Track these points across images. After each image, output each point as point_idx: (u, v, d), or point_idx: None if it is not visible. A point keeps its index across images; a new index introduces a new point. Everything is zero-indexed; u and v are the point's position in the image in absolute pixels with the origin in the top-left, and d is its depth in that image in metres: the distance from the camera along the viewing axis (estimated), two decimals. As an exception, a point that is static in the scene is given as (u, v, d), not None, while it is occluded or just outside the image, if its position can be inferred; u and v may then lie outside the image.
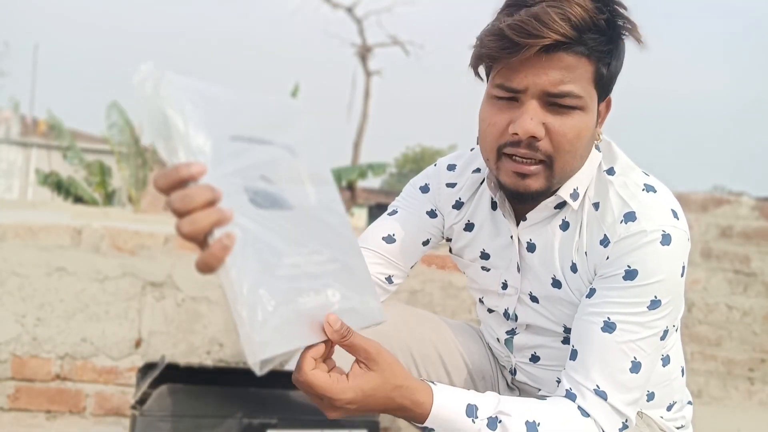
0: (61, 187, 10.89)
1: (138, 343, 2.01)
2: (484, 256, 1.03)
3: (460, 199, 1.05)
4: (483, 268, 1.04)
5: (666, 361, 0.95)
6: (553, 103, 0.82)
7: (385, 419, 1.89)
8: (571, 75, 0.81)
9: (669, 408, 0.99)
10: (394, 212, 1.08)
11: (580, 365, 0.83)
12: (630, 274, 0.83)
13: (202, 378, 1.42)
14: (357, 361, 0.71)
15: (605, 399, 0.81)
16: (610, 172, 0.91)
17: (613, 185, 0.89)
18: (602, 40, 0.81)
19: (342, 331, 0.67)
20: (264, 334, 0.59)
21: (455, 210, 1.06)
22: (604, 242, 0.86)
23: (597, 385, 0.81)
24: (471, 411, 0.76)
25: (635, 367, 0.82)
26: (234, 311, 0.58)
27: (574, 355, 0.84)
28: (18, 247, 1.95)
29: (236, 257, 0.58)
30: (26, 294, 1.95)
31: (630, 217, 0.85)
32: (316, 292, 0.66)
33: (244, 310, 0.57)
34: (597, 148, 0.93)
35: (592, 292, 0.86)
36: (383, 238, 1.05)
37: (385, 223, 1.07)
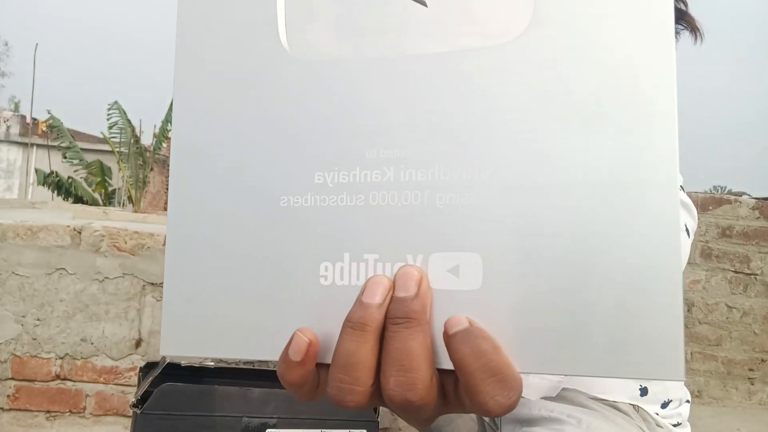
0: (61, 187, 10.90)
1: (138, 343, 2.01)
2: None
3: None
4: None
5: None
6: None
7: (384, 419, 1.89)
8: None
9: (664, 406, 0.99)
10: None
11: None
12: None
13: (203, 378, 1.43)
14: None
15: None
16: None
17: None
18: None
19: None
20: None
21: None
22: None
23: None
24: None
25: None
26: None
27: None
28: (18, 247, 1.95)
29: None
30: (26, 294, 1.95)
31: None
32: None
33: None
34: None
35: None
36: None
37: None
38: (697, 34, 0.84)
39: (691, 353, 2.75)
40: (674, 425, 1.00)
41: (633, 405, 0.94)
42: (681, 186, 0.89)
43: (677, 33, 0.86)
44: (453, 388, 0.31)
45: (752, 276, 2.74)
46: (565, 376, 0.60)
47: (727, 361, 2.74)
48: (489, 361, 0.28)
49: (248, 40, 0.35)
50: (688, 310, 2.75)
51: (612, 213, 0.29)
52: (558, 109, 0.30)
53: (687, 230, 0.83)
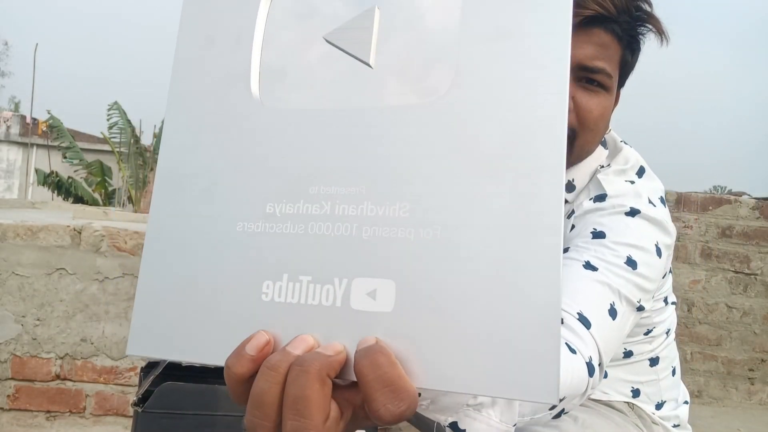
0: (61, 187, 10.90)
1: (138, 343, 2.01)
2: None
3: None
4: None
5: (655, 362, 0.95)
6: (584, 78, 0.83)
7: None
8: (605, 53, 0.83)
9: (658, 407, 0.99)
10: None
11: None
12: (598, 235, 0.80)
13: (204, 377, 1.44)
14: None
15: (588, 328, 0.70)
16: (606, 167, 0.91)
17: (600, 173, 0.89)
18: (633, 24, 0.84)
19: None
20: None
21: None
22: (570, 216, 0.87)
23: (579, 312, 0.72)
24: None
25: (613, 311, 0.74)
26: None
27: None
28: (18, 247, 1.95)
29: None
30: (26, 294, 1.95)
31: (600, 198, 0.86)
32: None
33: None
34: (604, 145, 0.93)
35: (566, 249, 0.82)
36: None
37: None
38: (663, 36, 0.86)
39: (691, 353, 2.75)
40: (674, 426, 1.00)
41: (628, 403, 0.94)
42: (660, 197, 0.87)
43: (643, 35, 0.86)
44: (361, 402, 0.34)
45: (752, 276, 2.75)
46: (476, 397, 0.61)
47: (727, 361, 2.74)
48: (384, 373, 0.32)
49: (225, 89, 0.41)
50: (688, 310, 2.75)
51: (504, 252, 0.33)
52: (467, 159, 0.35)
53: (658, 249, 0.81)
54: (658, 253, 0.82)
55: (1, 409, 1.95)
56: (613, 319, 0.74)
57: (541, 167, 0.33)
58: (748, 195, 3.10)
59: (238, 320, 0.37)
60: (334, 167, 0.37)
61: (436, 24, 0.38)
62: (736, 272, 2.74)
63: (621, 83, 0.90)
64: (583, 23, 0.80)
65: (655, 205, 0.85)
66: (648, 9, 0.85)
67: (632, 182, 0.88)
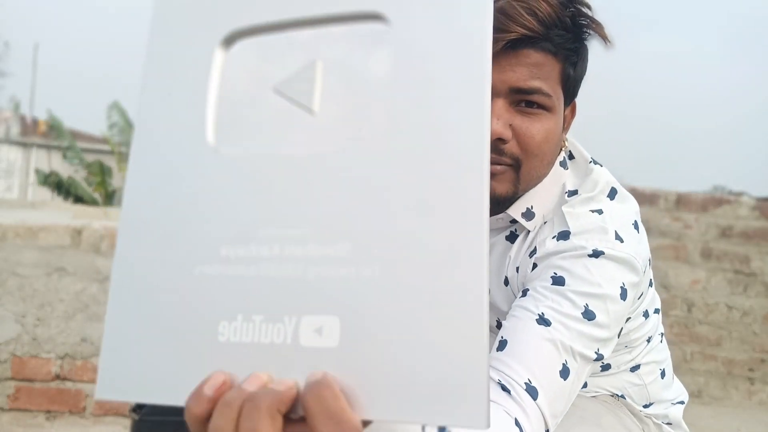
0: (61, 187, 10.90)
1: (138, 343, 2.02)
2: None
3: None
4: None
5: (636, 368, 0.94)
6: (521, 101, 0.79)
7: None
8: (540, 72, 0.78)
9: (646, 406, 0.98)
10: None
11: (510, 357, 0.72)
12: (557, 281, 0.77)
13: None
14: None
15: (535, 399, 0.70)
16: (573, 194, 0.86)
17: (566, 205, 0.84)
18: (568, 37, 0.79)
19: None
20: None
21: None
22: (532, 254, 0.83)
23: (528, 380, 0.70)
24: None
25: (565, 371, 0.73)
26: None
27: (503, 345, 0.75)
28: (18, 247, 1.95)
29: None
30: (26, 294, 1.95)
31: (564, 235, 0.81)
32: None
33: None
34: (564, 165, 0.89)
35: (525, 292, 0.80)
36: None
37: None
38: (606, 41, 0.81)
39: (691, 353, 2.75)
40: (666, 424, 0.99)
41: (612, 395, 0.94)
42: (633, 222, 0.83)
43: (585, 39, 0.82)
44: None
45: (752, 276, 2.75)
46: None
47: (727, 361, 2.74)
48: (328, 407, 0.34)
49: (183, 138, 0.43)
50: (688, 310, 2.76)
51: (435, 285, 0.35)
52: (400, 199, 0.37)
53: (624, 291, 0.78)
54: (623, 295, 0.78)
55: (1, 409, 1.95)
56: (565, 379, 0.74)
57: (465, 205, 0.36)
58: (748, 195, 3.10)
59: (198, 361, 0.39)
60: (281, 210, 0.39)
61: (370, 74, 0.40)
62: (736, 272, 2.75)
63: (570, 97, 0.85)
64: (509, 46, 0.76)
65: (622, 240, 0.80)
66: (587, 13, 0.80)
67: (600, 211, 0.83)
